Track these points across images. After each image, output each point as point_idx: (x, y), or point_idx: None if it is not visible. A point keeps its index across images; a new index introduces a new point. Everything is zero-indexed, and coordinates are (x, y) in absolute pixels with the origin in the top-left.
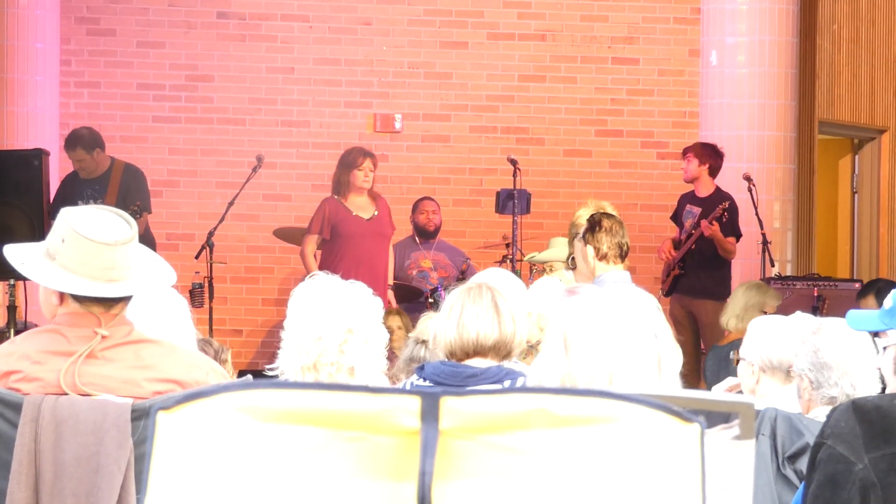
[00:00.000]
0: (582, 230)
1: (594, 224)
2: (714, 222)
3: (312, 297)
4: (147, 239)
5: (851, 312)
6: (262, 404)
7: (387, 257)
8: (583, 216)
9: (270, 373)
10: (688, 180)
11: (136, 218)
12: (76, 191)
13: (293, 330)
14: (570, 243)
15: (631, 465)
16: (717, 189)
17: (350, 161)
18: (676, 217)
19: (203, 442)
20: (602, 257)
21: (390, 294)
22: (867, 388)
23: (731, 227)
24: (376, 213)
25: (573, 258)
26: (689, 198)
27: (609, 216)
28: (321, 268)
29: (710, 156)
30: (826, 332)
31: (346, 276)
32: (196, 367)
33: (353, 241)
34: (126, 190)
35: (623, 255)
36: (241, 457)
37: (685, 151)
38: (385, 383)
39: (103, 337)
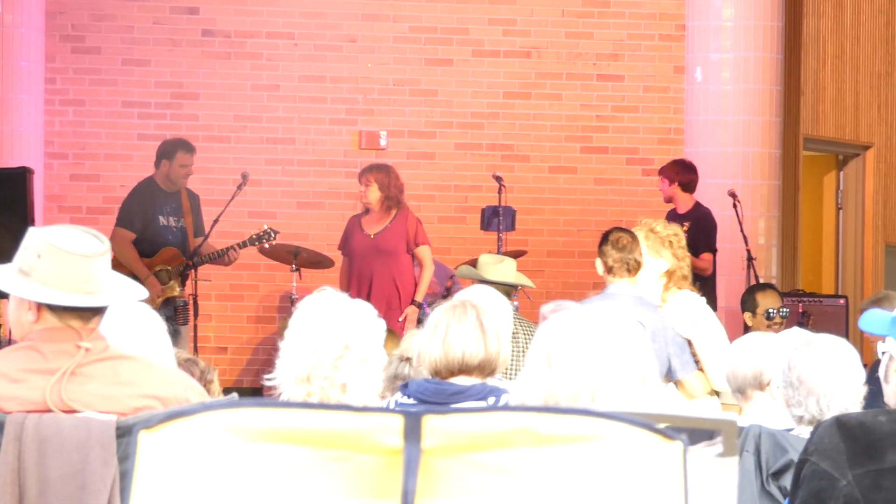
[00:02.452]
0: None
1: (604, 238)
2: None
3: (314, 310)
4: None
5: (869, 311)
6: (245, 423)
7: (396, 274)
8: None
9: (269, 382)
10: (666, 200)
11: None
12: (157, 204)
13: (292, 341)
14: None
15: (614, 483)
16: (697, 204)
17: (358, 178)
18: None
19: (185, 461)
20: (608, 270)
21: (411, 309)
22: (839, 409)
23: (706, 243)
24: (387, 227)
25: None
26: (671, 216)
27: (622, 230)
28: (341, 286)
29: (679, 172)
30: (803, 350)
31: (357, 293)
32: (174, 383)
33: (354, 258)
34: (195, 211)
35: (630, 270)
36: (223, 476)
37: (658, 173)
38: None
39: (87, 350)
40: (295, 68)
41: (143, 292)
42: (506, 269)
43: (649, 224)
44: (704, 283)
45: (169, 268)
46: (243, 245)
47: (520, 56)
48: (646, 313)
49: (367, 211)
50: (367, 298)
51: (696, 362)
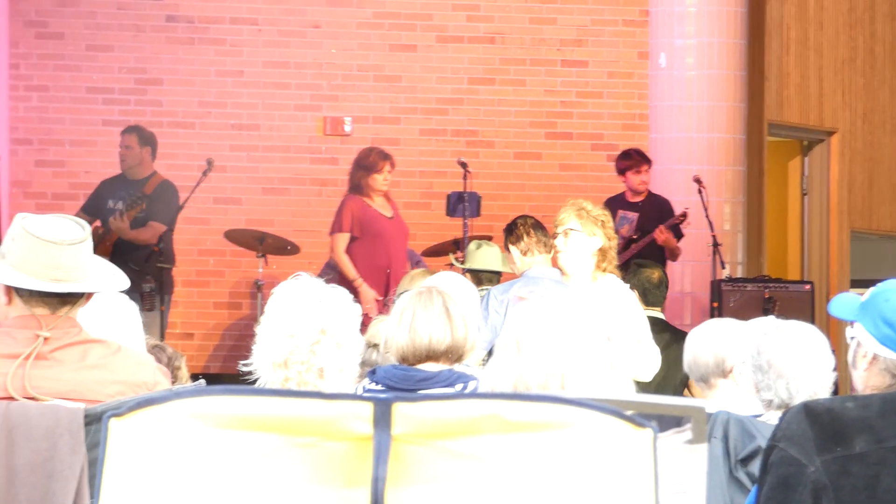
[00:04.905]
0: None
1: (510, 229)
2: (666, 230)
3: (290, 296)
4: (167, 253)
5: (841, 295)
6: (214, 410)
7: (406, 255)
8: (564, 217)
9: (245, 368)
10: (641, 190)
11: (133, 208)
12: (110, 191)
13: (268, 326)
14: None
15: (584, 470)
16: (649, 192)
17: (370, 164)
18: None
19: (155, 448)
20: (524, 253)
21: None
22: (808, 394)
23: (676, 230)
24: (395, 211)
25: None
26: (619, 202)
27: (523, 217)
28: (356, 266)
29: (617, 163)
30: (773, 335)
31: (380, 275)
32: (143, 365)
33: (383, 239)
34: (156, 198)
35: (547, 247)
36: (193, 463)
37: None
38: (352, 389)
39: (46, 339)
40: (259, 54)
41: (125, 282)
42: (489, 256)
43: (579, 203)
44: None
45: None
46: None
47: (484, 42)
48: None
49: (363, 195)
50: (388, 279)
51: None
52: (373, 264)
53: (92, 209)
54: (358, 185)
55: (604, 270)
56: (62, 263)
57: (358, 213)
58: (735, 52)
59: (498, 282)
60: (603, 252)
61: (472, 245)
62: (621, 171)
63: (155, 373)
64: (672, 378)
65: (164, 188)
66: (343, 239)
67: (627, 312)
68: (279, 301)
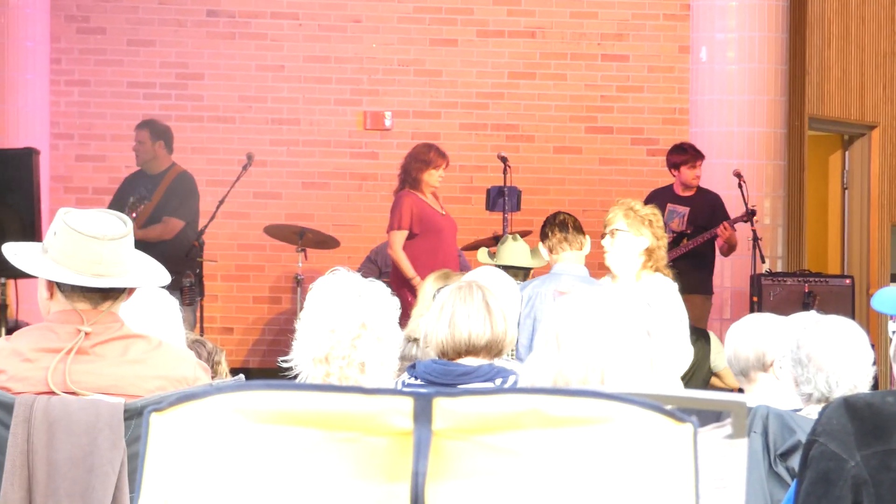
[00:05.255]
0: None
1: (544, 223)
2: (730, 227)
3: (329, 291)
4: (176, 245)
5: (883, 290)
6: (255, 405)
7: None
8: (611, 217)
9: (284, 364)
10: (694, 185)
11: (136, 207)
12: (132, 186)
13: (308, 322)
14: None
15: (624, 465)
16: (699, 187)
17: (429, 159)
18: None
19: (196, 443)
20: (550, 251)
21: None
22: (848, 388)
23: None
24: (444, 210)
25: None
26: (668, 196)
27: (559, 213)
28: (414, 264)
29: (670, 157)
30: (813, 329)
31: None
32: (183, 361)
33: (440, 235)
34: (173, 192)
35: (571, 245)
36: (234, 458)
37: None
38: (393, 383)
39: (87, 334)
40: (300, 49)
41: (166, 278)
42: (516, 251)
43: (628, 203)
44: (712, 263)
45: None
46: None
47: (524, 36)
48: None
49: (417, 189)
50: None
51: None
52: (430, 261)
53: (117, 205)
54: (415, 179)
55: (652, 269)
56: (104, 258)
57: (417, 210)
58: (776, 46)
59: (526, 277)
60: (649, 252)
61: (502, 240)
62: (675, 166)
63: (195, 368)
64: (696, 377)
65: (181, 181)
66: (402, 236)
67: (667, 311)
68: (318, 296)
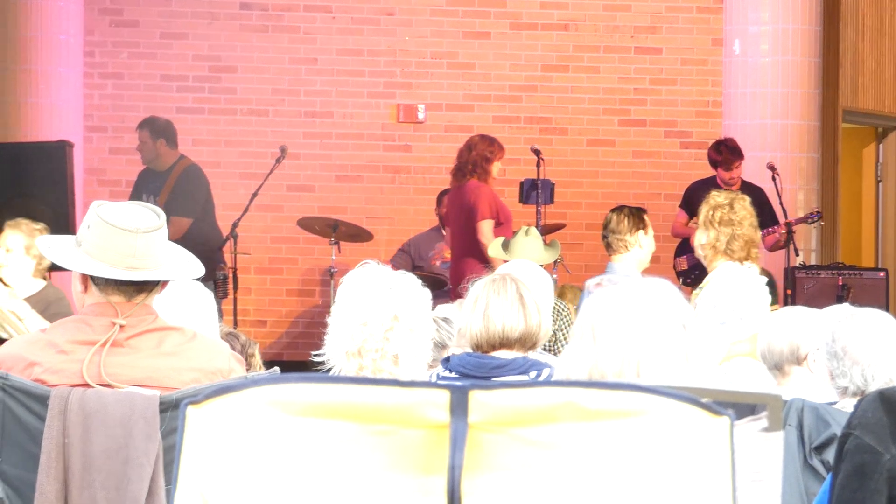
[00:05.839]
0: None
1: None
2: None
3: (360, 284)
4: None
5: None
6: (291, 398)
7: None
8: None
9: (317, 358)
10: (732, 185)
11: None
12: (143, 184)
13: (340, 316)
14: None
15: (660, 458)
16: (742, 181)
17: (494, 151)
18: (691, 206)
19: (232, 435)
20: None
21: None
22: (884, 381)
23: (773, 219)
24: None
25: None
26: (714, 189)
27: (614, 210)
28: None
29: (710, 154)
30: (848, 321)
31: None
32: (218, 353)
33: (510, 225)
34: (179, 190)
35: (612, 248)
36: (270, 451)
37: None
38: (426, 375)
39: (122, 327)
40: (333, 41)
41: (200, 270)
42: (526, 246)
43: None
44: None
45: None
46: None
47: (557, 29)
48: None
49: (485, 181)
50: None
51: None
52: None
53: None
54: (486, 171)
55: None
56: (137, 251)
57: (496, 200)
58: (810, 39)
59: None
60: (712, 247)
61: (515, 234)
62: (713, 164)
63: (230, 360)
64: None
65: (185, 177)
66: (492, 225)
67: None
68: (350, 290)
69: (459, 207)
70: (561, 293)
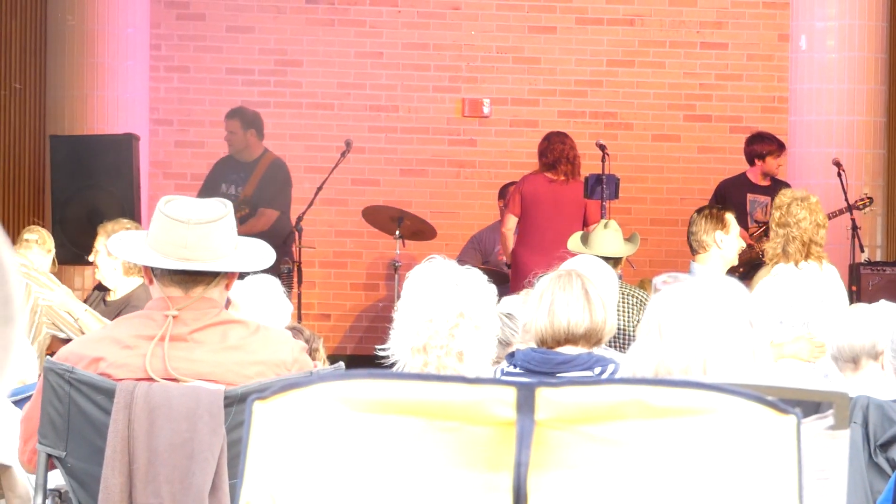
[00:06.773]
0: None
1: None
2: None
3: (426, 280)
4: (273, 234)
5: None
6: (358, 394)
7: None
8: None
9: (382, 353)
10: (776, 175)
11: (243, 209)
12: (224, 173)
13: (406, 311)
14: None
15: (727, 456)
16: (773, 177)
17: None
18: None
19: (299, 431)
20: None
21: None
22: None
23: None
24: None
25: None
26: (745, 186)
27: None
28: None
29: (755, 147)
30: None
31: None
32: (281, 344)
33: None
34: (266, 182)
35: (691, 250)
36: (337, 447)
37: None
38: (490, 371)
39: (175, 319)
40: (398, 35)
41: (262, 263)
42: (605, 240)
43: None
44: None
45: None
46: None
47: (623, 24)
48: None
49: None
50: None
51: None
52: None
53: (208, 192)
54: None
55: (809, 258)
56: (188, 242)
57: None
58: (876, 35)
59: (617, 265)
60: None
61: (595, 227)
62: (760, 156)
63: (293, 351)
64: None
65: (275, 169)
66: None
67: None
68: (415, 285)
69: (571, 202)
70: (641, 286)
